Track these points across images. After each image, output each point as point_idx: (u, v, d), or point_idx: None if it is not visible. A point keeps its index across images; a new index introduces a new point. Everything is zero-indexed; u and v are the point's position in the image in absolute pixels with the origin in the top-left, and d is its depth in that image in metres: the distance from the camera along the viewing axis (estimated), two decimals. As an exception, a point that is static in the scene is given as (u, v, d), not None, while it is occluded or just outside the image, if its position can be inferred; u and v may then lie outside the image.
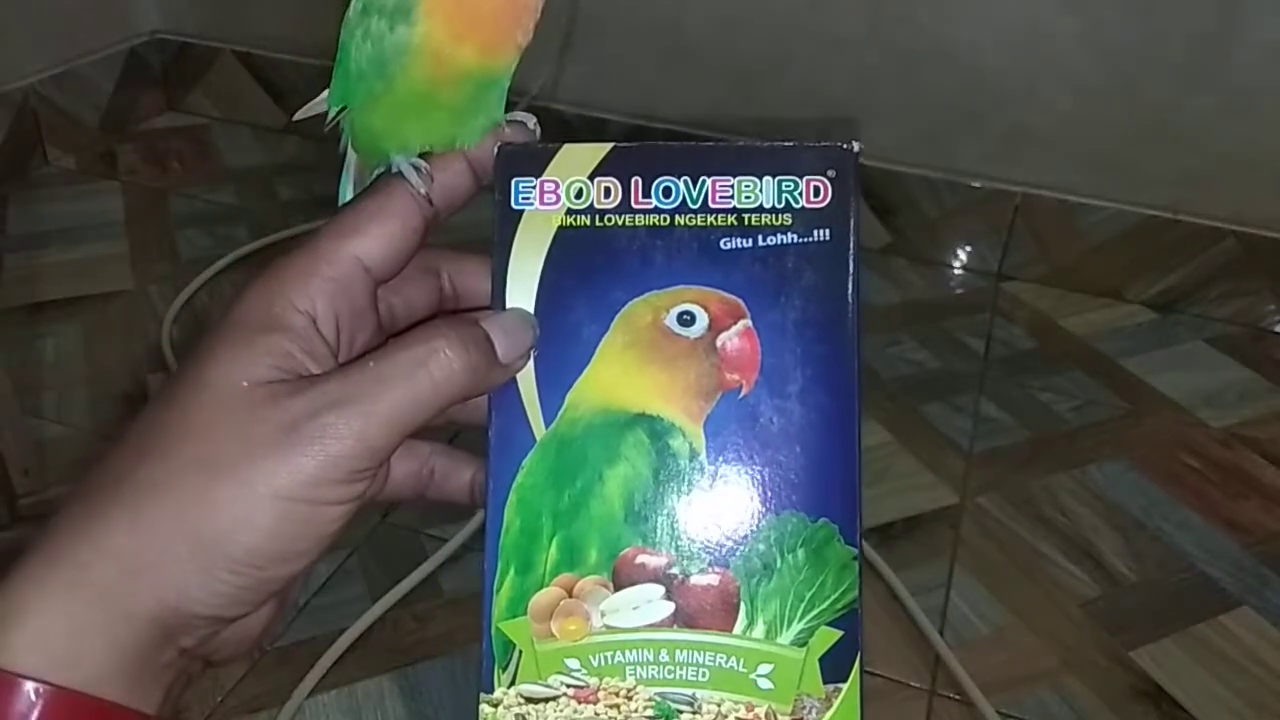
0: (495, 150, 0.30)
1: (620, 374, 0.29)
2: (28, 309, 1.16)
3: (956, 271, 1.34)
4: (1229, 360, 1.19)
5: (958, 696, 0.78)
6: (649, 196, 0.29)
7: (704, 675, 0.28)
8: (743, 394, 0.29)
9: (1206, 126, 1.18)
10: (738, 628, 0.29)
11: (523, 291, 0.29)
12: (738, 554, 0.29)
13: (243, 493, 0.25)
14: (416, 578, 0.83)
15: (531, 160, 0.30)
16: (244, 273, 1.25)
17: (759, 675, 0.28)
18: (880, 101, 1.30)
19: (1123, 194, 1.25)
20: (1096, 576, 0.88)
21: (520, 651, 0.29)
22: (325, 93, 0.34)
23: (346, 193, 0.34)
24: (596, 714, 0.28)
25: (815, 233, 0.30)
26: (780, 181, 0.29)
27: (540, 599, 0.29)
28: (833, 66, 1.30)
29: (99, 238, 1.31)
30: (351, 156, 0.34)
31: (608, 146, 0.30)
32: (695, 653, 0.28)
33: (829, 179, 0.30)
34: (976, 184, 1.30)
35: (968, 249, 1.34)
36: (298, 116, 0.35)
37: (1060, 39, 1.20)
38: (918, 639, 0.82)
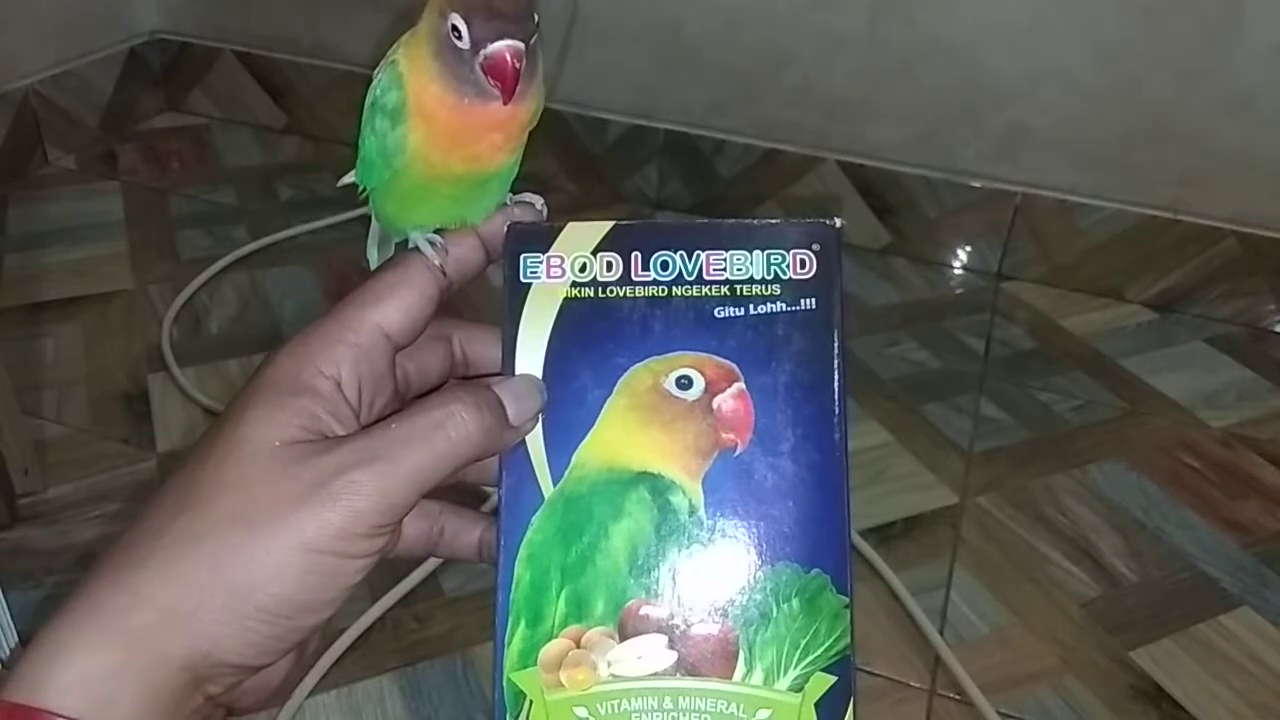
0: (505, 228, 0.32)
1: (623, 435, 0.31)
2: (28, 309, 1.16)
3: (956, 271, 1.34)
4: (1229, 360, 1.19)
5: (958, 696, 0.78)
6: (648, 269, 0.31)
7: None
8: (738, 452, 0.31)
9: (1206, 126, 1.19)
10: (737, 675, 0.30)
11: (531, 358, 0.31)
12: (736, 604, 0.30)
13: (275, 545, 0.26)
14: (416, 578, 0.83)
15: (539, 237, 0.32)
16: (244, 272, 1.25)
17: None
18: (880, 101, 1.30)
19: (1123, 194, 1.25)
20: (1096, 576, 0.89)
21: (531, 701, 0.30)
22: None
23: (373, 255, 0.37)
24: None
25: (802, 301, 0.31)
26: (769, 255, 0.31)
27: (550, 650, 0.30)
28: (833, 66, 1.30)
29: (99, 238, 1.31)
30: (376, 224, 0.36)
31: (609, 224, 0.32)
32: (697, 699, 0.30)
33: (814, 252, 0.31)
34: (976, 184, 1.30)
35: (968, 249, 1.34)
36: (340, 184, 0.38)
37: (1060, 39, 1.20)
38: (918, 639, 0.82)
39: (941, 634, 0.82)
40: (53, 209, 1.37)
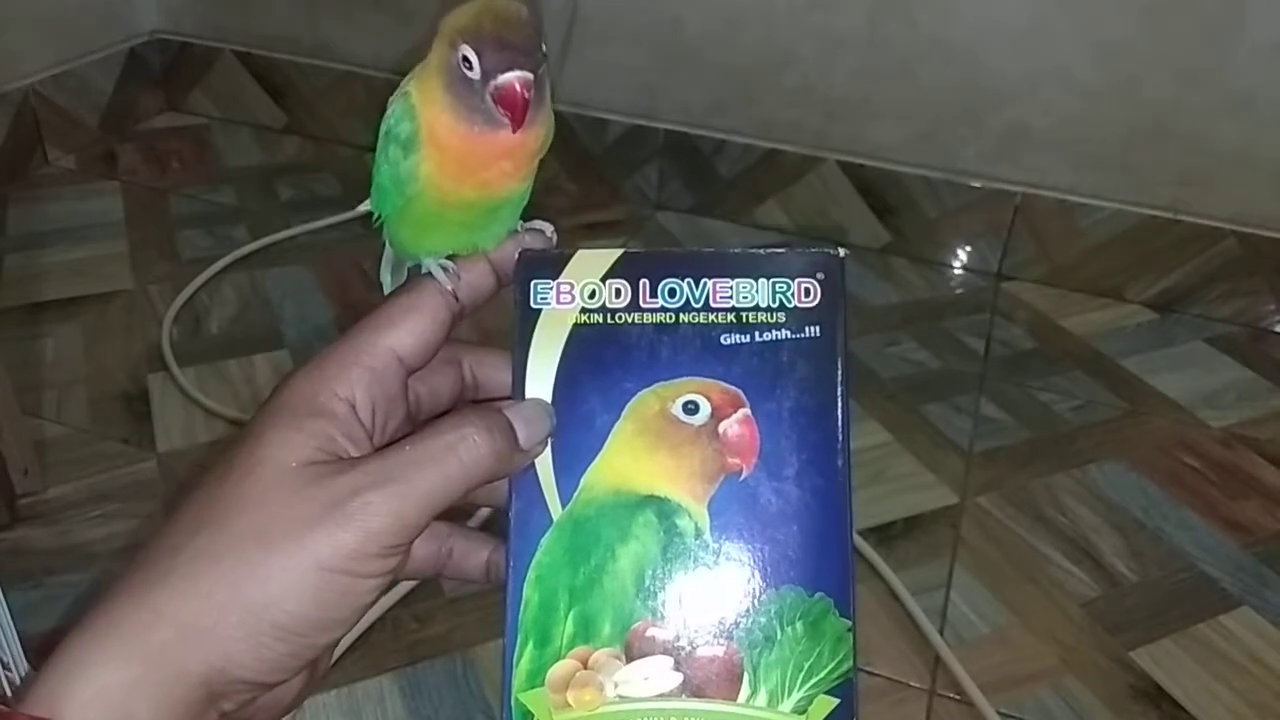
0: (516, 255, 0.33)
1: (630, 459, 0.31)
2: (28, 309, 1.16)
3: (956, 271, 1.34)
4: (1229, 360, 1.19)
5: (958, 696, 0.78)
6: (656, 297, 0.32)
7: None
8: (743, 476, 0.31)
9: (1206, 126, 1.19)
10: (742, 696, 0.30)
11: (541, 383, 0.32)
12: (741, 626, 0.31)
13: (291, 564, 0.27)
14: (417, 578, 0.83)
15: (549, 264, 0.32)
16: (244, 272, 1.25)
17: None
18: (880, 101, 1.30)
19: (1123, 194, 1.25)
20: (1096, 576, 0.89)
21: None
22: None
23: (386, 280, 0.38)
24: None
25: (807, 329, 0.32)
26: (774, 283, 0.32)
27: (557, 670, 0.30)
28: (833, 66, 1.30)
29: (99, 238, 1.31)
30: (389, 249, 0.37)
31: (618, 252, 0.32)
32: None
33: (818, 281, 0.32)
34: (976, 184, 1.30)
35: (968, 249, 1.34)
36: (356, 210, 0.39)
37: (1060, 39, 1.20)
38: (918, 639, 0.82)
39: (941, 634, 0.82)
40: (53, 209, 1.37)
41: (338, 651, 0.76)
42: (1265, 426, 1.08)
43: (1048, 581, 0.88)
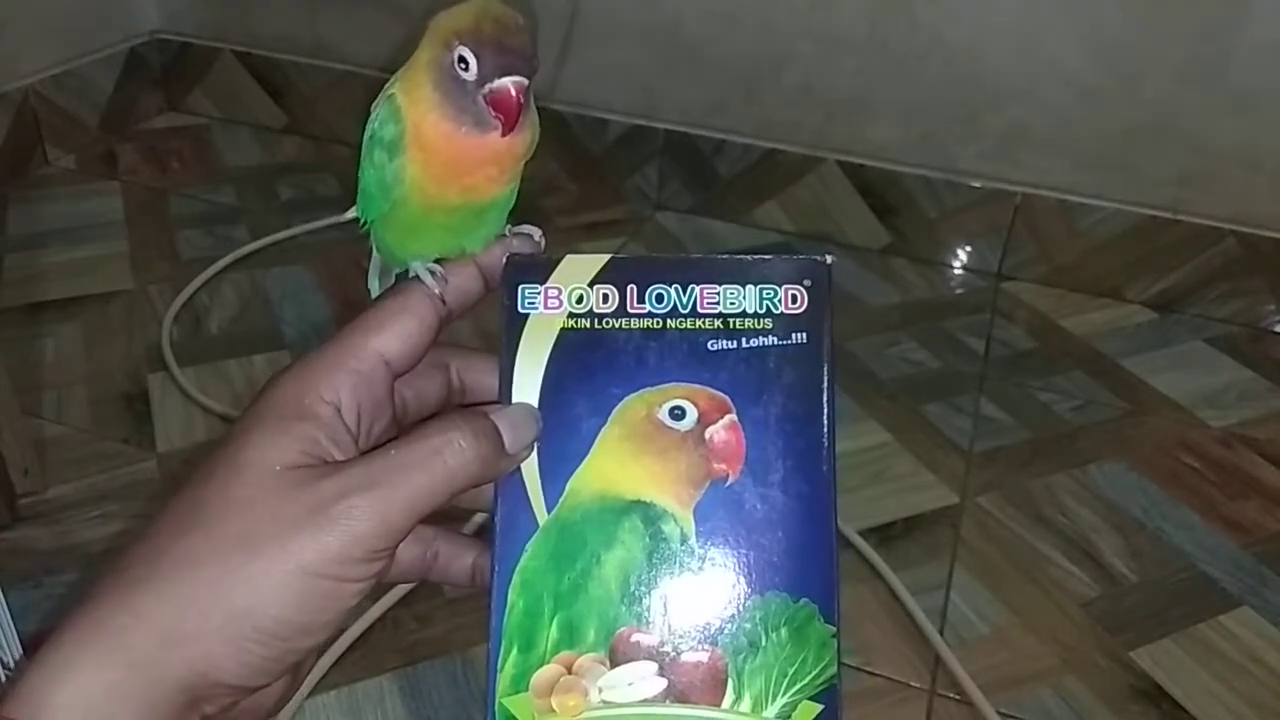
0: (503, 259, 0.33)
1: (617, 464, 0.31)
2: (28, 309, 1.16)
3: (956, 271, 1.34)
4: (1229, 360, 1.19)
5: (958, 696, 0.78)
6: (643, 302, 0.32)
7: None
8: (729, 482, 0.31)
9: (1206, 126, 1.19)
10: (726, 702, 0.30)
11: (528, 387, 0.32)
12: (725, 632, 0.31)
13: (274, 568, 0.27)
14: (416, 578, 0.83)
15: (537, 269, 0.32)
16: (244, 272, 1.25)
17: None
18: (880, 101, 1.30)
19: (1123, 194, 1.25)
20: (1096, 576, 0.89)
21: None
22: None
23: (374, 285, 0.38)
24: None
25: (794, 336, 0.32)
26: (761, 289, 0.32)
27: (541, 675, 0.31)
28: (833, 66, 1.30)
29: (99, 238, 1.31)
30: (377, 254, 0.37)
31: (605, 257, 0.32)
32: None
33: (805, 288, 0.32)
34: (976, 184, 1.30)
35: (968, 249, 1.34)
36: (344, 216, 0.39)
37: (1060, 39, 1.20)
38: (918, 639, 0.82)
39: (941, 634, 0.82)
40: (53, 209, 1.37)
41: (331, 655, 0.76)
42: (1265, 426, 1.08)
43: (1048, 581, 0.88)
